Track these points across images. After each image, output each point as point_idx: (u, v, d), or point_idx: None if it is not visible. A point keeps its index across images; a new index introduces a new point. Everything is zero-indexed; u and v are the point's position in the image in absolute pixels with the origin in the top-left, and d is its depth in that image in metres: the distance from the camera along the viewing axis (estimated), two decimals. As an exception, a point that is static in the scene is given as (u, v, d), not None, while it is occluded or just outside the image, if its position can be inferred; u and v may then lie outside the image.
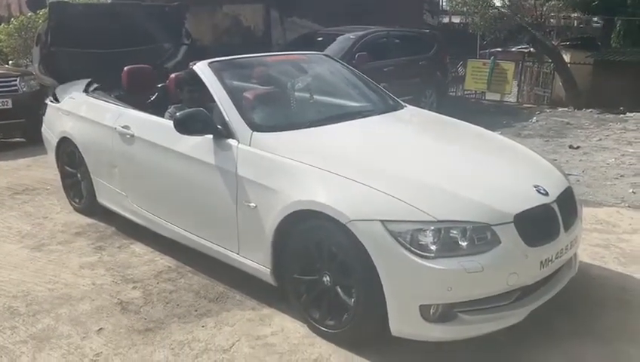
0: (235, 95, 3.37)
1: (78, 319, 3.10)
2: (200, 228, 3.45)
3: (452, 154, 3.25)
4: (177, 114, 3.26)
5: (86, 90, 4.67)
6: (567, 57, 13.16)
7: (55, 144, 4.81)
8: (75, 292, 3.40)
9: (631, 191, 5.25)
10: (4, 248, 4.11)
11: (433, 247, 2.46)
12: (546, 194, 2.77)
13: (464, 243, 2.48)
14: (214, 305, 3.20)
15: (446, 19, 22.27)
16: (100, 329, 2.99)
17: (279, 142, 3.08)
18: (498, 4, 12.62)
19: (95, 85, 4.70)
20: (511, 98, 12.95)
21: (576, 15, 15.44)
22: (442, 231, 2.48)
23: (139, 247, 4.02)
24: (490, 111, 11.03)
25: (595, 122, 9.43)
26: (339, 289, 2.73)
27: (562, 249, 2.76)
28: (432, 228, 2.47)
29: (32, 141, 7.03)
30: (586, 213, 4.09)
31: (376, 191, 2.60)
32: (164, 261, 3.79)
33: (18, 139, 7.99)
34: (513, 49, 18.16)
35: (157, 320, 3.07)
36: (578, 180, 5.58)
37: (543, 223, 2.71)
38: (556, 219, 2.76)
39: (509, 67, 12.19)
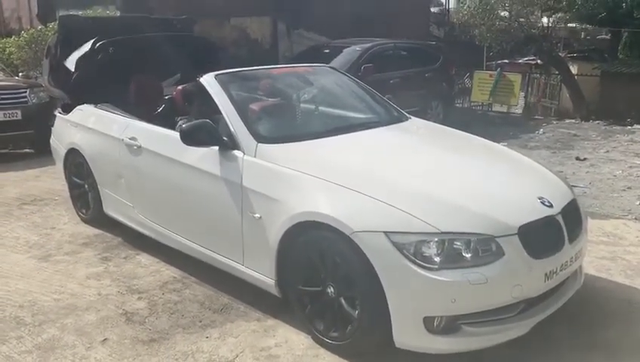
0: (240, 107, 3.40)
1: (83, 329, 3.11)
2: (205, 239, 3.47)
3: (456, 166, 3.25)
4: (183, 125, 3.29)
5: (91, 50, 4.69)
6: (574, 69, 13.13)
7: (63, 155, 4.86)
8: (81, 302, 3.42)
9: (638, 203, 5.22)
10: (11, 258, 4.14)
11: (437, 259, 2.46)
12: (551, 206, 2.77)
13: (468, 255, 2.48)
14: (219, 316, 3.21)
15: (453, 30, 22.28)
16: (105, 339, 3.00)
17: (284, 154, 3.10)
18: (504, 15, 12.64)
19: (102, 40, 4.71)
20: (517, 110, 12.94)
21: (583, 27, 15.46)
22: (446, 243, 2.48)
23: (145, 258, 4.05)
24: (497, 122, 11.01)
25: (602, 134, 9.41)
26: (343, 301, 2.72)
27: (567, 261, 2.75)
28: (436, 239, 2.48)
29: (41, 152, 7.10)
30: (593, 225, 4.08)
31: (379, 202, 2.61)
32: (169, 271, 3.80)
33: (27, 150, 8.07)
34: (520, 60, 18.15)
35: (161, 330, 3.08)
36: (585, 192, 5.56)
37: (547, 235, 2.70)
38: (561, 231, 2.76)
39: (516, 79, 12.17)
